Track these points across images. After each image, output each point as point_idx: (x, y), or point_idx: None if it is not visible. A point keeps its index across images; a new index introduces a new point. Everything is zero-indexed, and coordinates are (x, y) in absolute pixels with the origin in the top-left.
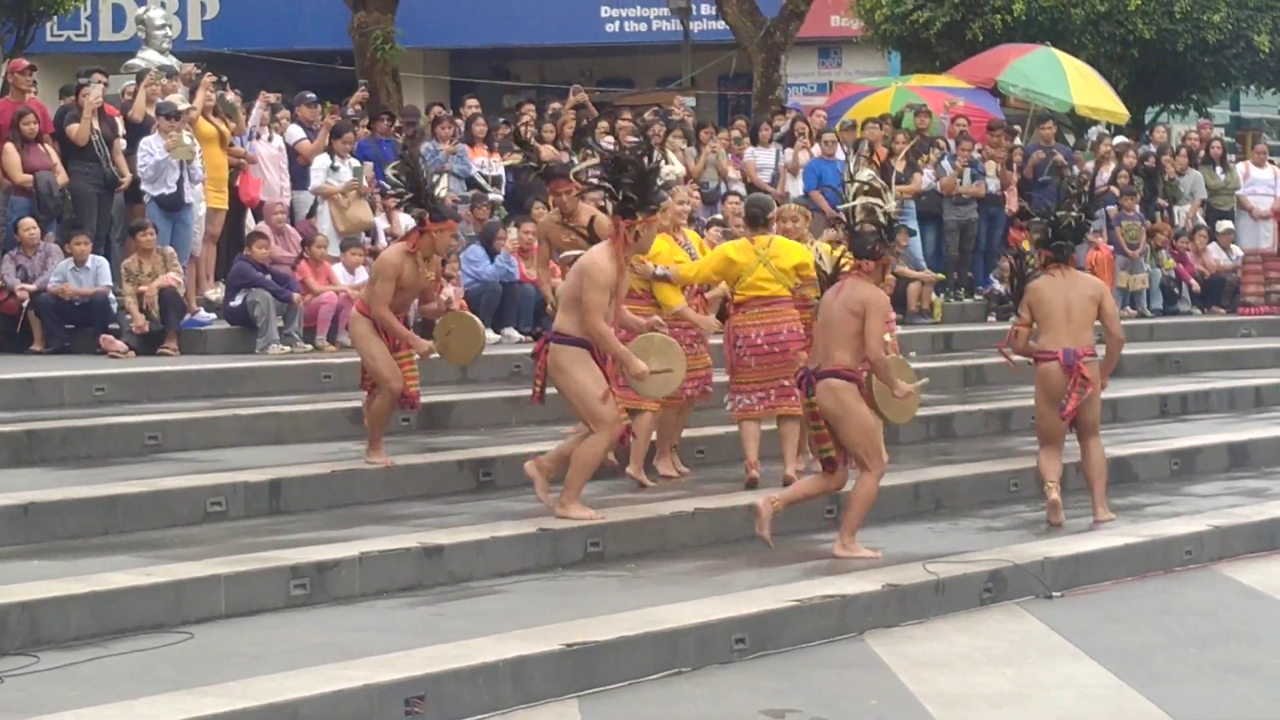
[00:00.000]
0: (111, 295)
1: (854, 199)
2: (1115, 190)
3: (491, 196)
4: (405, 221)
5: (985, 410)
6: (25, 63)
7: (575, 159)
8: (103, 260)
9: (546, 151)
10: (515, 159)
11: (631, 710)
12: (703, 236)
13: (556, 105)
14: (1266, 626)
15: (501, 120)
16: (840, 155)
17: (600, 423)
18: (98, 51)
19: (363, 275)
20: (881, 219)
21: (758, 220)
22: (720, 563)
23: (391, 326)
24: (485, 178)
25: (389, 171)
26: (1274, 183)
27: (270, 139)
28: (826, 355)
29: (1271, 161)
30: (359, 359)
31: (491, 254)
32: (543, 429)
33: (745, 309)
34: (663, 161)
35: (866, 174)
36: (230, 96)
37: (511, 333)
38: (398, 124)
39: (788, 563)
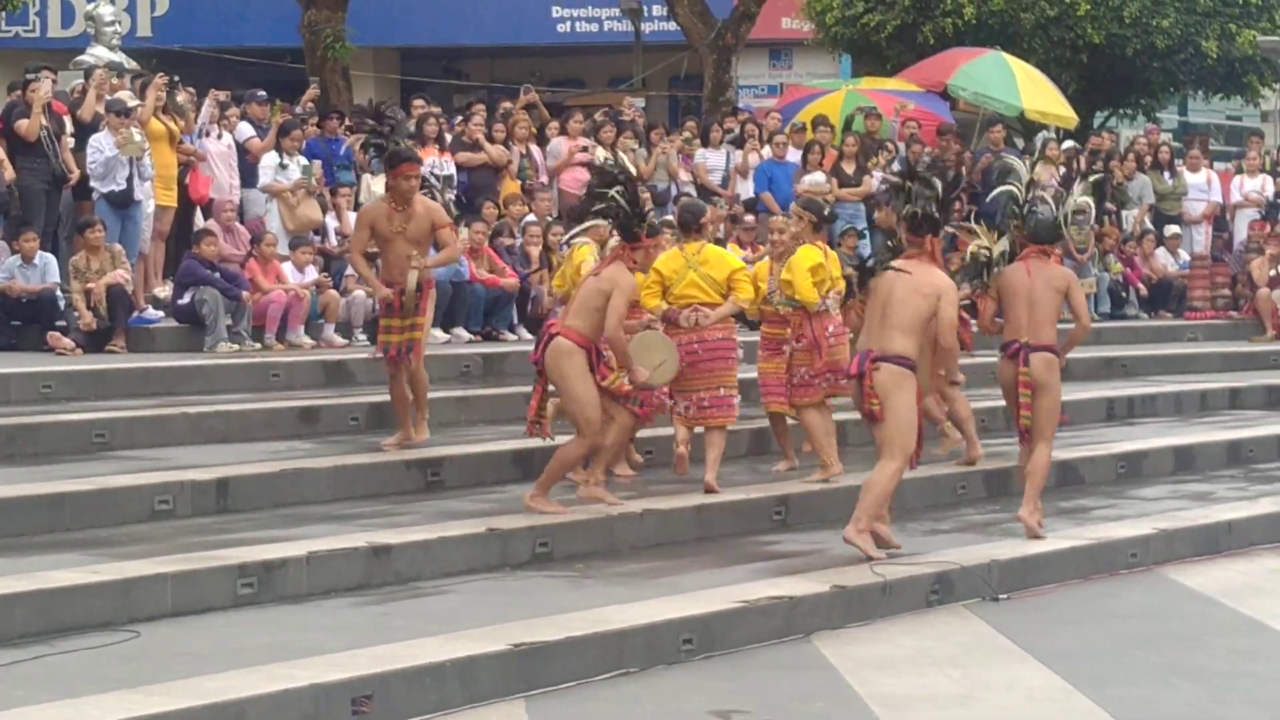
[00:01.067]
0: (59, 292)
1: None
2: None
3: (447, 197)
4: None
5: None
6: None
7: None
8: (50, 257)
9: (496, 152)
10: None
11: (579, 710)
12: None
13: (507, 105)
14: (1210, 629)
15: (459, 118)
16: (791, 157)
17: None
18: (46, 48)
19: (312, 274)
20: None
21: (689, 225)
22: (668, 564)
23: (359, 269)
24: (437, 177)
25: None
26: (1207, 187)
27: (220, 136)
28: (1036, 331)
29: (1208, 166)
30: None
31: None
32: (492, 429)
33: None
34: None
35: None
36: (181, 98)
37: (461, 332)
38: (347, 123)
39: (735, 564)
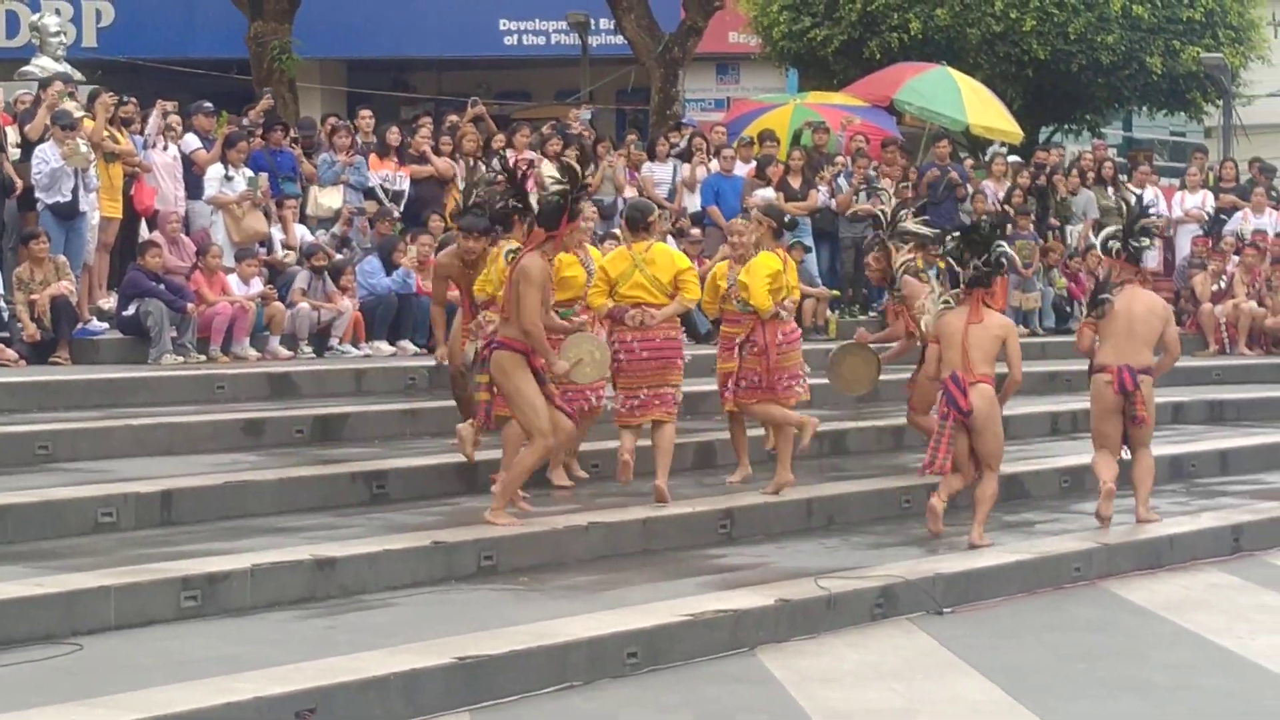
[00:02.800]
0: (2, 303)
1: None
2: (1009, 209)
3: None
4: (301, 233)
5: (878, 427)
6: None
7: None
8: None
9: (443, 164)
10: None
11: None
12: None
13: (454, 118)
14: (1152, 643)
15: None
16: (739, 171)
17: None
18: None
19: (257, 286)
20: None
21: (637, 224)
22: (613, 576)
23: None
24: (386, 191)
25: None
26: (1155, 203)
27: (165, 148)
28: (1136, 355)
29: (1154, 181)
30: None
31: (390, 267)
32: (437, 441)
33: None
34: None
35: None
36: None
37: (407, 345)
38: (293, 135)
39: (680, 577)
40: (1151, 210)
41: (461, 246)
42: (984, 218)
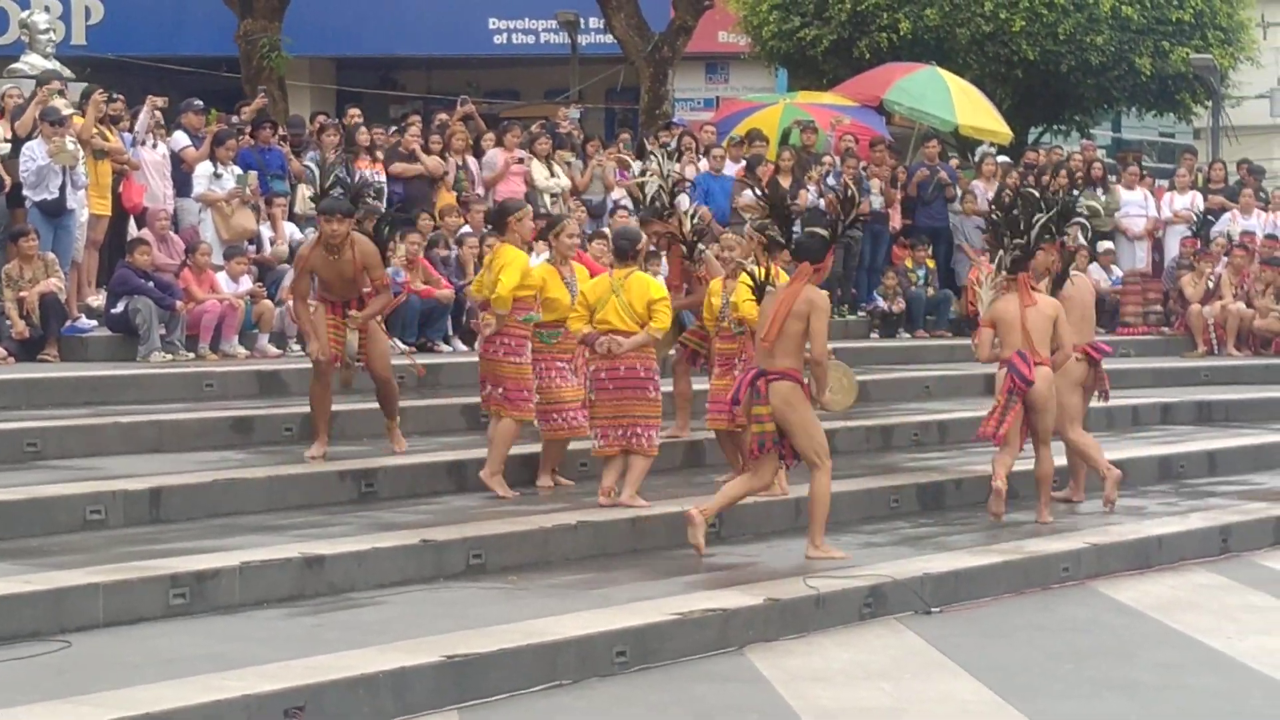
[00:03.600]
0: None
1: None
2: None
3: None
4: (290, 230)
5: (867, 426)
6: None
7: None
8: None
9: (433, 163)
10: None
11: None
12: (585, 250)
13: (444, 117)
14: (1140, 643)
15: (393, 129)
16: (728, 171)
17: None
18: None
19: (246, 283)
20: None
21: (625, 253)
22: (602, 575)
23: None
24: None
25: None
26: (1145, 204)
27: (154, 146)
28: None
29: (1144, 182)
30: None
31: None
32: (425, 439)
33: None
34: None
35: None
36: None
37: (396, 343)
38: (281, 132)
39: (669, 576)
40: (1080, 214)
41: (325, 230)
42: (1017, 200)
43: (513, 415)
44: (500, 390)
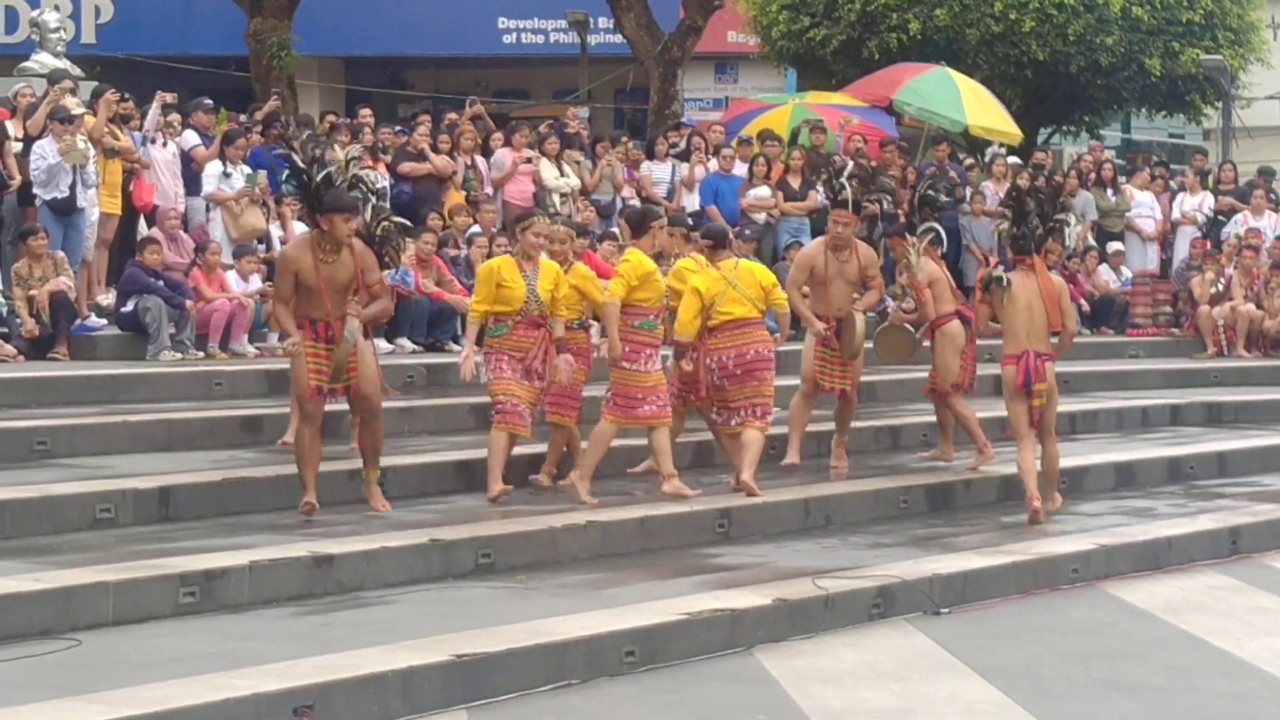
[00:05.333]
0: (1, 299)
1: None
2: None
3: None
4: (299, 229)
5: (876, 427)
6: None
7: None
8: None
9: (441, 162)
10: None
11: None
12: (594, 251)
13: (453, 116)
14: (1149, 645)
15: (397, 129)
16: (738, 171)
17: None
18: None
19: (256, 282)
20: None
21: (720, 245)
22: (611, 575)
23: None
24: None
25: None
26: (1154, 205)
27: (164, 144)
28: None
29: (1154, 184)
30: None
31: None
32: (435, 439)
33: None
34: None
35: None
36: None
37: (405, 343)
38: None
39: (678, 576)
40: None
41: (338, 230)
42: (1032, 185)
43: (609, 419)
44: (609, 395)
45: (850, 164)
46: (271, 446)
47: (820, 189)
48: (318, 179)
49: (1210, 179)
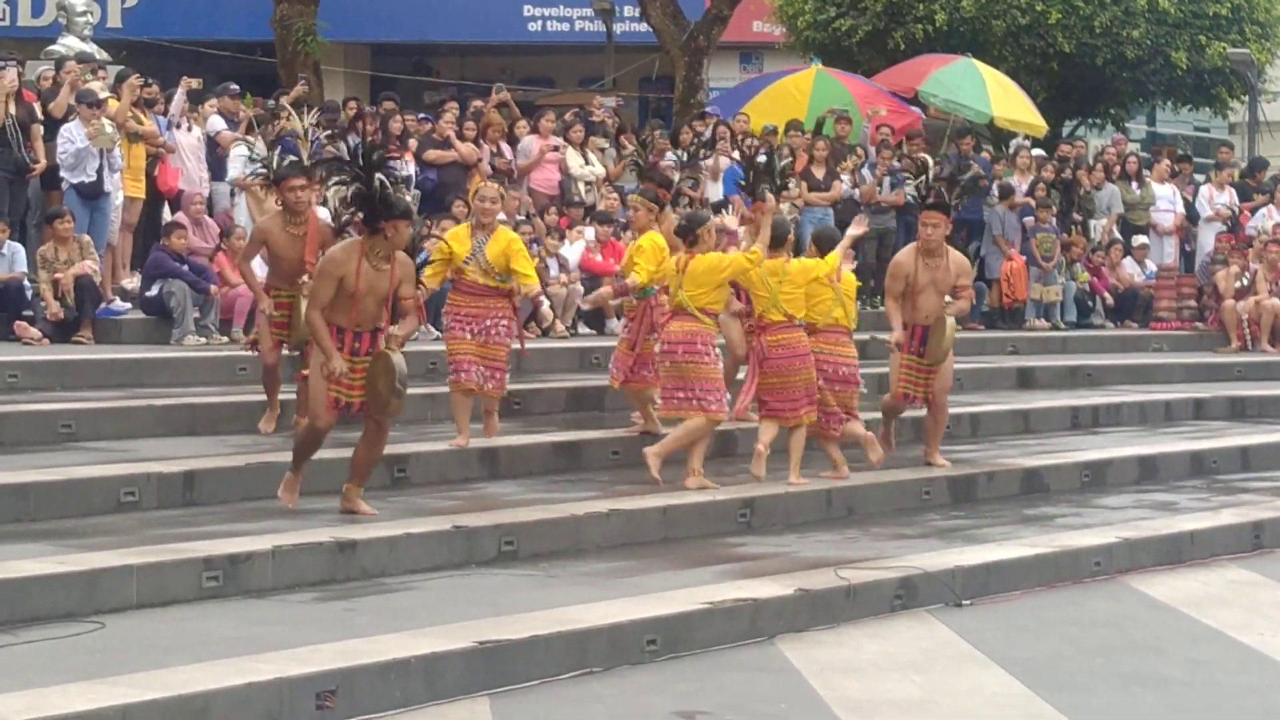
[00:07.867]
0: (27, 282)
1: None
2: (1032, 202)
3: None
4: (323, 215)
5: (898, 419)
6: None
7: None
8: (18, 246)
9: (467, 149)
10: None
11: (542, 709)
12: (619, 239)
13: (479, 103)
14: (1171, 639)
15: (422, 116)
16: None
17: None
18: (17, 37)
19: None
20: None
21: (782, 241)
22: (633, 564)
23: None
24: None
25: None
26: (1174, 199)
27: (190, 129)
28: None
29: (1178, 178)
30: None
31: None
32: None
33: None
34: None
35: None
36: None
37: (429, 329)
38: (317, 118)
39: (700, 565)
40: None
41: (398, 236)
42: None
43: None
44: (689, 392)
45: (937, 165)
46: (294, 431)
47: (910, 191)
48: (379, 182)
49: (1238, 173)
